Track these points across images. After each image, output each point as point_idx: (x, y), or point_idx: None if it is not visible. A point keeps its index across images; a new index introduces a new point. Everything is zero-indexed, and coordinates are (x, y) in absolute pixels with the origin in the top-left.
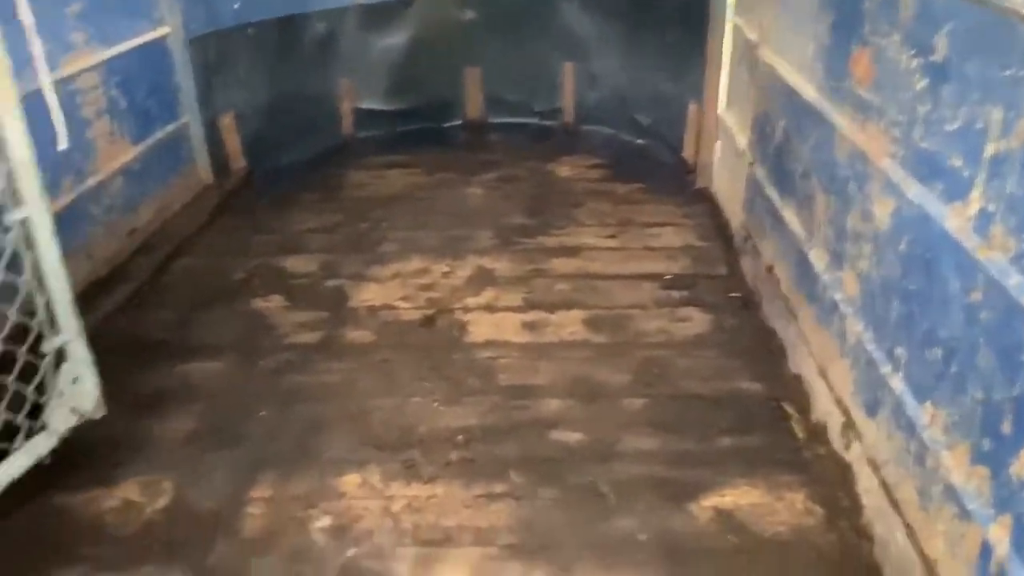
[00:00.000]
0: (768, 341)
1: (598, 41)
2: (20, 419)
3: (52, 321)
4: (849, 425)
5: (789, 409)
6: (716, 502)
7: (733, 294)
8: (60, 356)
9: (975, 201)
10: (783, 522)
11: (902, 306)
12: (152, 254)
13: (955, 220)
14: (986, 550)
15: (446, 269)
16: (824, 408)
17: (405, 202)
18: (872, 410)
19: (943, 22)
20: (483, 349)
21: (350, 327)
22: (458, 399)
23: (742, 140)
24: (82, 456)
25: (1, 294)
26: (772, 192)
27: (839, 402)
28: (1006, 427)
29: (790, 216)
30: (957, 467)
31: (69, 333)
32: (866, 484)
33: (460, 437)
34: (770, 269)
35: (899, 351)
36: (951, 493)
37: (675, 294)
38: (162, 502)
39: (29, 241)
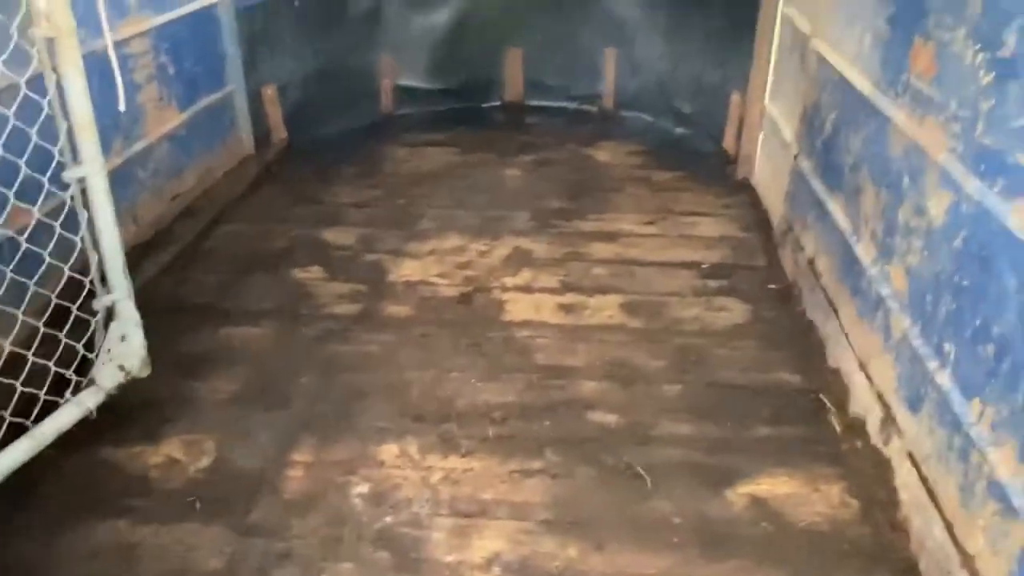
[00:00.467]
0: (807, 333)
1: (641, 27)
2: (69, 373)
3: (103, 279)
4: (889, 420)
5: (827, 402)
6: (752, 490)
7: (772, 285)
8: (109, 314)
9: None
10: (818, 513)
11: (953, 302)
12: (195, 219)
13: (1018, 217)
14: None
15: (483, 248)
16: (863, 402)
17: (443, 180)
18: (915, 405)
19: (1014, 18)
20: (520, 328)
21: (389, 301)
22: (496, 376)
23: (788, 132)
24: (127, 413)
25: (57, 250)
26: (818, 184)
27: (880, 396)
28: None
29: (836, 209)
30: (1004, 464)
31: (119, 292)
32: (905, 479)
33: (497, 413)
34: (811, 262)
35: (948, 347)
36: (996, 490)
37: (712, 283)
38: (205, 461)
39: (85, 200)
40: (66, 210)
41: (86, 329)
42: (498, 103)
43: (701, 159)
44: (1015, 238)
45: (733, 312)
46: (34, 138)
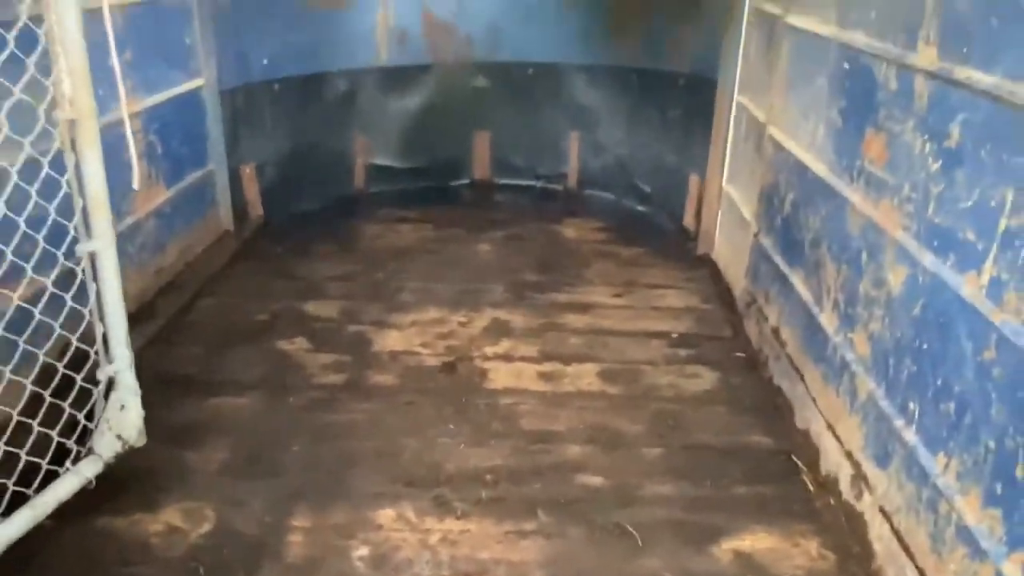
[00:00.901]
0: (774, 398)
1: (603, 113)
2: (70, 443)
3: (107, 350)
4: (859, 476)
5: (798, 462)
6: (735, 545)
7: (738, 354)
8: (110, 384)
9: (988, 270)
10: (798, 566)
11: (915, 364)
12: (177, 294)
13: (969, 287)
14: None
15: (463, 319)
16: (833, 461)
17: (418, 255)
18: (883, 462)
19: (957, 113)
20: (504, 396)
21: (374, 370)
22: (483, 441)
23: (747, 211)
24: (124, 483)
25: (65, 320)
26: (779, 260)
27: (849, 455)
28: (1019, 471)
29: (798, 282)
30: (971, 510)
31: (121, 362)
32: (878, 531)
33: (488, 476)
34: (775, 331)
35: (912, 406)
36: (965, 534)
37: (682, 352)
38: (205, 527)
39: (95, 273)
40: (77, 282)
41: (88, 398)
42: (467, 181)
43: (663, 235)
44: (969, 306)
45: (704, 379)
46: (52, 214)
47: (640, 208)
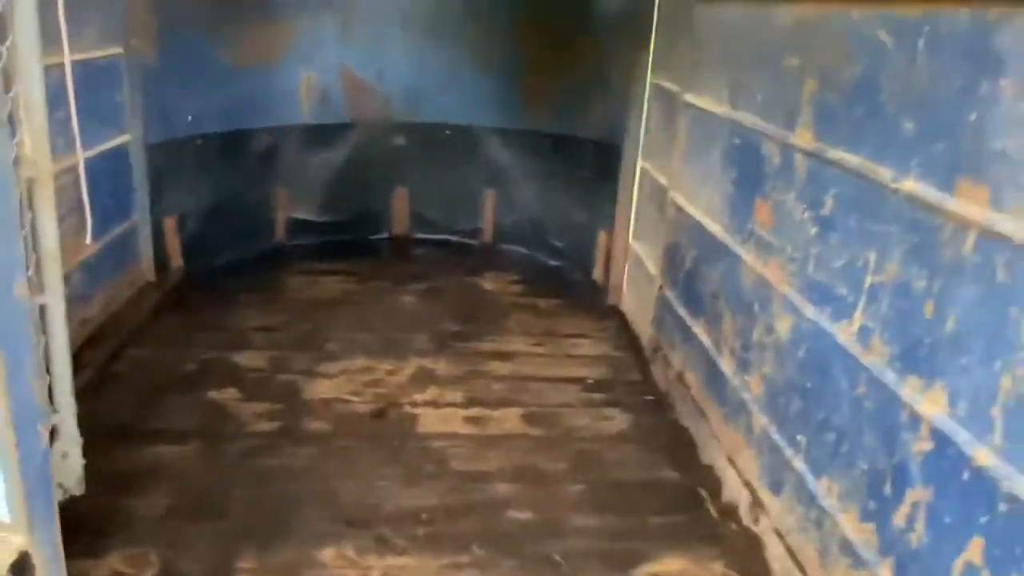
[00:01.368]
0: (681, 436)
1: (517, 172)
2: None
3: (52, 400)
4: (757, 503)
5: (703, 493)
6: (653, 570)
7: (647, 397)
8: (52, 434)
9: (858, 319)
10: None
11: (800, 401)
12: (103, 345)
13: (842, 334)
14: None
15: (390, 368)
16: (734, 490)
17: (343, 306)
18: (777, 489)
19: (829, 186)
20: (434, 439)
21: (308, 418)
22: (417, 482)
23: (652, 266)
24: (67, 530)
25: None
26: (683, 311)
27: (747, 484)
28: (887, 489)
29: (699, 331)
30: (850, 525)
31: (66, 412)
32: (774, 551)
33: (424, 515)
34: (680, 376)
35: (800, 438)
36: (847, 547)
37: (597, 396)
38: (150, 572)
39: (44, 326)
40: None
41: None
42: (386, 236)
43: (575, 288)
44: (843, 350)
45: (617, 420)
46: None
47: (553, 262)
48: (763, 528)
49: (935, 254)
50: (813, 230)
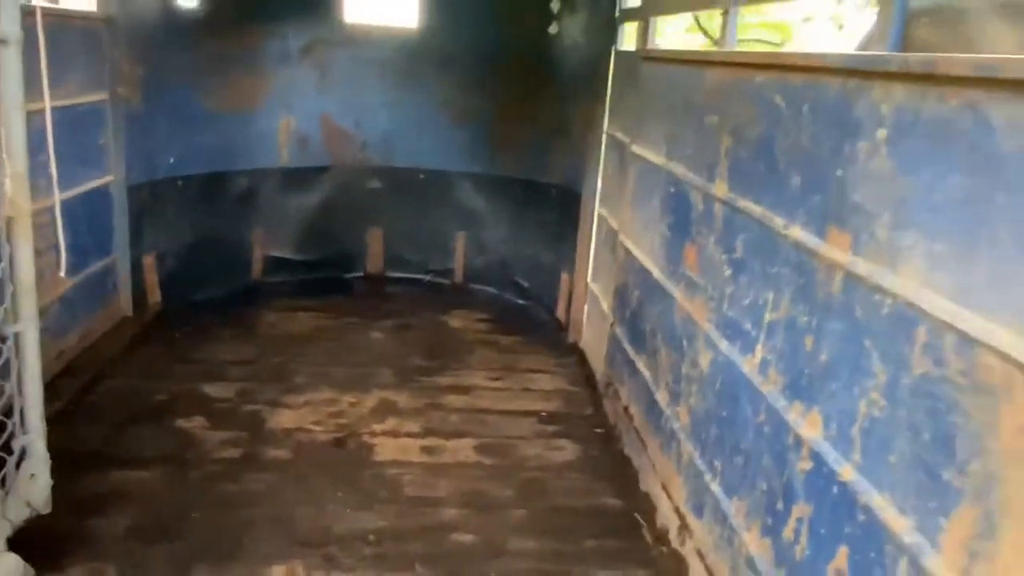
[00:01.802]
0: (625, 467)
1: (487, 216)
2: None
3: (23, 422)
4: (684, 527)
5: (640, 519)
6: None
7: (597, 429)
8: (22, 454)
9: (759, 353)
10: None
11: (717, 429)
12: (78, 376)
13: (748, 366)
14: None
15: (353, 400)
16: (666, 515)
17: (314, 341)
18: (699, 512)
19: (739, 232)
20: (389, 467)
21: (270, 446)
22: (370, 506)
23: (605, 305)
24: (31, 546)
25: None
26: (629, 347)
27: (676, 509)
28: (779, 505)
29: (642, 366)
30: (753, 542)
31: (35, 433)
32: (696, 571)
33: (372, 537)
34: (626, 409)
35: (716, 463)
36: (751, 563)
37: (550, 428)
38: None
39: (18, 352)
40: (2, 360)
41: (1, 466)
42: (361, 274)
43: (538, 326)
44: (748, 381)
45: (567, 451)
46: None
47: (519, 301)
48: (688, 550)
49: (813, 293)
50: (728, 271)
